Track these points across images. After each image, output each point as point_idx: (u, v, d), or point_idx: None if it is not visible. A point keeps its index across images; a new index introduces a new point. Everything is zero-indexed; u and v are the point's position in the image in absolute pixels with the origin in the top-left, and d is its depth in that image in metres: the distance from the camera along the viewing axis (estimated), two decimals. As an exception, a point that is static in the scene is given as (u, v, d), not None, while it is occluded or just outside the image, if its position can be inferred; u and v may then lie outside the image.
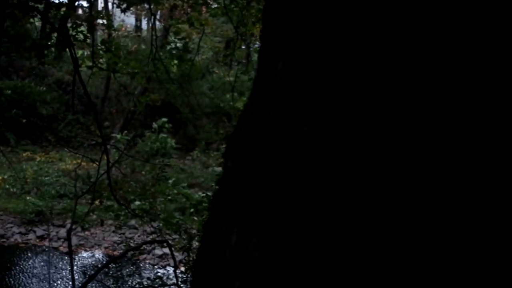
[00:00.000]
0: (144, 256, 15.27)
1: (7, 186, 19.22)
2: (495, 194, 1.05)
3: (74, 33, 8.51)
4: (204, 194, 11.81)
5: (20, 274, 14.68)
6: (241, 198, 1.36)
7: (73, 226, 10.82)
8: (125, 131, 22.49)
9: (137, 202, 12.33)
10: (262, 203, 1.27)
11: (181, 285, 8.97)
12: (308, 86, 1.22)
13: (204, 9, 11.32)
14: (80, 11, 18.07)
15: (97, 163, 8.57)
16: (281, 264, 1.21)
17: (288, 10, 1.35)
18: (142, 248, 12.24)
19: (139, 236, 16.81)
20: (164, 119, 21.83)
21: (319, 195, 1.17)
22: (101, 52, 9.51)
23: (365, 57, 1.15)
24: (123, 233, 16.96)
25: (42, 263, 15.28)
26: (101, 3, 27.71)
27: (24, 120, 23.43)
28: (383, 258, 1.11)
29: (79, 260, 15.71)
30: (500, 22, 1.05)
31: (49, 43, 9.60)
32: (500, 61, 1.06)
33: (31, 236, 16.88)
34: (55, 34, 9.79)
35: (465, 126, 1.07)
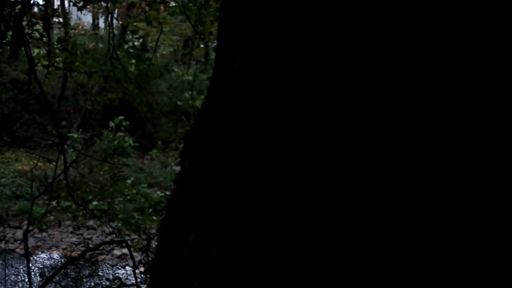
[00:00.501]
0: (103, 256, 15.10)
1: (-39, 188, 18.81)
2: (494, 194, 1.05)
3: (29, 32, 8.37)
4: (163, 194, 11.74)
5: (-25, 277, 14.38)
6: (199, 197, 1.36)
7: (30, 228, 10.64)
8: (80, 130, 22.19)
9: (95, 202, 12.19)
10: (219, 202, 1.27)
11: (141, 285, 8.90)
12: (264, 85, 1.22)
13: (162, 7, 11.25)
14: (35, 9, 17.80)
15: (54, 163, 8.45)
16: (239, 262, 1.21)
17: (244, 9, 1.35)
18: (100, 248, 12.10)
19: (97, 236, 16.62)
20: (121, 117, 21.63)
21: (275, 193, 1.17)
22: (57, 51, 9.37)
23: (319, 56, 1.15)
24: (81, 234, 16.76)
25: (-2, 266, 14.99)
26: (57, 1, 27.32)
27: (-22, 120, 22.95)
28: (329, 253, 1.12)
29: (36, 262, 15.46)
30: (499, 22, 1.06)
31: (4, 42, 9.42)
32: (498, 61, 1.06)
33: (-14, 238, 16.56)
34: (10, 33, 9.61)
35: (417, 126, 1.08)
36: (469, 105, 1.06)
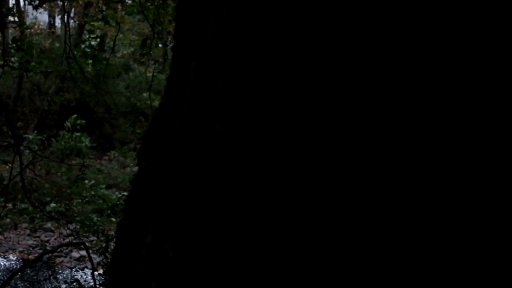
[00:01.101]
0: (61, 259, 14.91)
1: None
2: (494, 194, 1.05)
3: (-17, 31, 8.21)
4: (121, 195, 11.66)
5: None
6: (156, 197, 1.35)
7: (-15, 231, 10.45)
8: (35, 131, 21.83)
9: (53, 204, 12.04)
10: (177, 202, 1.27)
11: (99, 288, 8.82)
12: (220, 85, 1.22)
13: (119, 6, 11.16)
14: (-11, 8, 17.44)
15: (10, 164, 8.31)
16: (197, 263, 1.21)
17: (199, 9, 1.35)
18: (58, 251, 11.96)
19: (55, 239, 16.41)
20: (75, 116, 21.30)
21: (233, 192, 1.17)
22: (12, 50, 9.23)
23: (273, 56, 1.16)
24: (39, 237, 16.52)
25: (-48, 270, 14.68)
26: (12, -1, 26.81)
27: None
28: (283, 254, 1.12)
29: (-8, 265, 15.19)
30: (499, 22, 1.06)
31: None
32: (497, 61, 1.06)
33: None
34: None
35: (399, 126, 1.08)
36: (469, 105, 1.06)
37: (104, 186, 17.58)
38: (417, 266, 1.07)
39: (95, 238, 10.52)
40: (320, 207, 1.11)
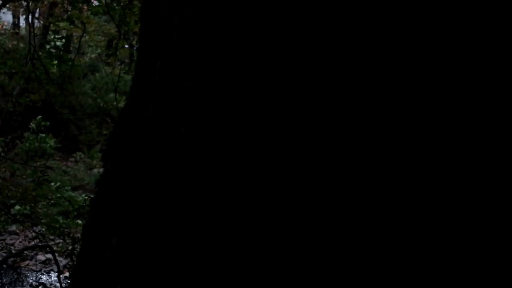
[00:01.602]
0: (27, 262, 14.69)
1: None
2: (494, 194, 1.05)
3: None
4: (87, 197, 11.54)
5: None
6: (121, 199, 1.34)
7: None
8: (-4, 133, 21.46)
9: (18, 207, 11.87)
10: (142, 204, 1.26)
11: (66, 291, 8.72)
12: (185, 86, 1.22)
13: (85, 7, 11.05)
14: (-49, 8, 17.16)
15: (-27, 167, 8.17)
16: (163, 265, 1.20)
17: (164, 11, 1.34)
18: (23, 254, 11.79)
19: (20, 242, 16.16)
20: (39, 117, 21.03)
21: (198, 193, 1.17)
22: (-25, 51, 9.07)
23: (238, 58, 1.16)
24: (3, 240, 16.26)
25: None
26: (-26, -1, 26.34)
27: None
28: (245, 254, 1.12)
29: (-45, 269, 14.91)
30: (499, 22, 1.06)
31: None
32: (498, 61, 1.06)
33: None
34: None
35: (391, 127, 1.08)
36: (469, 105, 1.06)
37: (70, 188, 17.37)
38: (417, 266, 1.07)
39: (61, 240, 10.40)
40: (277, 212, 1.11)
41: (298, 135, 1.11)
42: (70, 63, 10.60)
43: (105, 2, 9.32)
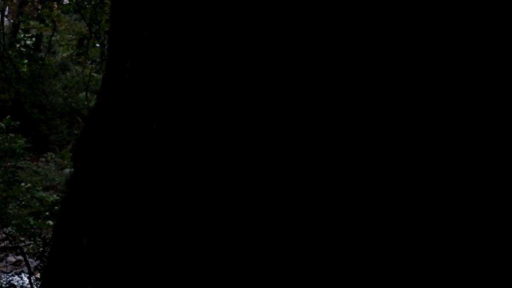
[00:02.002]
0: (-4, 264, 14.53)
1: None
2: (494, 194, 1.05)
3: None
4: (58, 197, 11.43)
5: None
6: (92, 199, 1.33)
7: None
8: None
9: (-13, 208, 11.70)
10: (113, 204, 1.25)
11: (37, 292, 8.63)
12: (155, 85, 1.22)
13: (55, 5, 10.94)
14: None
15: None
16: (134, 265, 1.20)
17: (135, 9, 1.33)
18: (-7, 255, 11.63)
19: (-10, 243, 15.97)
20: (9, 117, 20.78)
21: (169, 193, 1.16)
22: None
23: (208, 56, 1.16)
24: (-27, 241, 16.05)
25: None
26: None
27: None
28: (224, 257, 1.12)
29: None
30: (499, 22, 1.06)
31: None
32: (498, 61, 1.06)
33: None
34: None
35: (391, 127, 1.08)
36: (468, 105, 1.06)
37: (41, 188, 17.19)
38: (417, 266, 1.07)
39: (32, 242, 10.29)
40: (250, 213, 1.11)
41: (264, 131, 1.11)
42: (40, 62, 10.50)
43: (76, 0, 9.24)
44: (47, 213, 11.13)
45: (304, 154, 1.10)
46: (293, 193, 1.10)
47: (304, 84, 1.11)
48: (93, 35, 10.14)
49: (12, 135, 21.17)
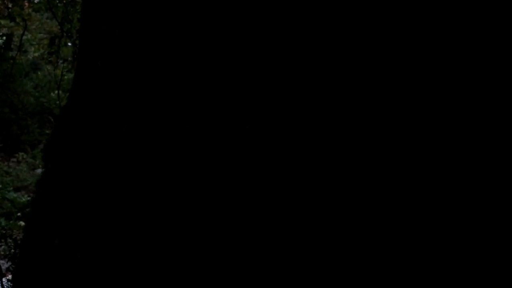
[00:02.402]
0: (-33, 265, 14.32)
1: None
2: (494, 194, 1.05)
3: None
4: (30, 198, 11.31)
5: None
6: (62, 199, 1.32)
7: None
8: None
9: (-43, 209, 11.53)
10: (84, 204, 1.25)
11: (8, 294, 8.53)
12: (127, 85, 1.21)
13: (26, 3, 10.82)
14: None
15: None
16: (106, 265, 1.19)
17: (106, 8, 1.33)
18: (-36, 257, 11.48)
19: (-40, 245, 15.74)
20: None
21: (139, 192, 1.16)
22: None
23: (181, 55, 1.15)
24: None
25: None
26: None
27: None
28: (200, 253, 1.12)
29: None
30: (499, 22, 1.06)
31: None
32: (498, 61, 1.06)
33: None
34: None
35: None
36: (468, 105, 1.06)
37: (12, 188, 16.98)
38: (417, 266, 1.07)
39: (3, 243, 10.17)
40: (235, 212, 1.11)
41: (215, 127, 1.11)
42: (11, 61, 10.38)
43: (47, -1, 9.14)
44: (18, 214, 11.01)
45: (304, 154, 1.10)
46: (292, 192, 1.09)
47: (303, 84, 1.11)
48: (64, 34, 10.04)
49: (-18, 135, 20.86)
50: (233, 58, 1.13)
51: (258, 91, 1.10)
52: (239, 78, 1.10)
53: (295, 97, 1.11)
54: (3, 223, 10.70)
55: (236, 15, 1.12)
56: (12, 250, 9.59)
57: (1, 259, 9.47)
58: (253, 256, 1.09)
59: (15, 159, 23.63)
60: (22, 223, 10.70)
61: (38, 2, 10.28)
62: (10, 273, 10.06)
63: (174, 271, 1.12)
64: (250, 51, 1.11)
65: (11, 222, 11.33)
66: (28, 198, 11.55)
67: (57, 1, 9.34)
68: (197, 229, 1.12)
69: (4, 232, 10.13)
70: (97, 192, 1.23)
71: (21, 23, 11.24)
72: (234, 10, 1.12)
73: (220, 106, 1.13)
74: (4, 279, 8.81)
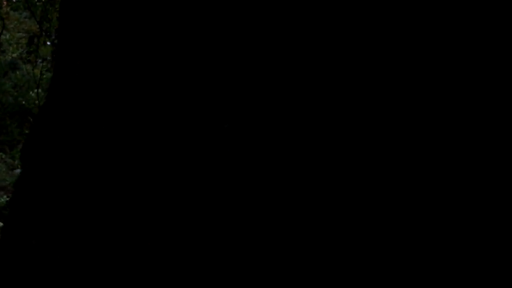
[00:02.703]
0: None
1: None
2: (494, 194, 1.05)
3: None
4: (9, 198, 11.23)
5: None
6: (40, 200, 1.32)
7: None
8: None
9: None
10: (62, 205, 1.24)
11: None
12: (107, 85, 1.21)
13: (5, 2, 10.74)
14: None
15: None
16: (85, 265, 1.19)
17: (84, 7, 1.32)
18: None
19: None
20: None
21: (118, 193, 1.16)
22: None
23: (164, 54, 1.15)
24: None
25: None
26: None
27: None
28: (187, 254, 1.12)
29: None
30: (499, 22, 1.06)
31: None
32: (498, 61, 1.06)
33: None
34: None
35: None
36: (468, 105, 1.06)
37: (-10, 189, 16.82)
38: (417, 266, 1.07)
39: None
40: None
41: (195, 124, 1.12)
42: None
43: (26, -3, 9.07)
44: (-3, 215, 10.91)
45: (303, 154, 1.10)
46: (292, 191, 1.09)
47: (301, 84, 1.11)
48: (43, 33, 9.97)
49: (-40, 135, 20.64)
50: (213, 55, 1.13)
51: (240, 89, 1.11)
52: (220, 78, 1.11)
53: (280, 96, 1.11)
54: (-18, 224, 10.59)
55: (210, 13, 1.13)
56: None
57: (-20, 260, 9.38)
58: (251, 255, 1.10)
59: (-7, 159, 23.43)
60: (1, 224, 10.61)
61: (17, 1, 10.20)
62: (-12, 274, 9.96)
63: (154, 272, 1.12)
64: (229, 49, 1.11)
65: (-11, 223, 11.22)
66: (7, 199, 11.46)
67: (36, 0, 9.26)
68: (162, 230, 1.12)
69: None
70: (73, 192, 1.23)
71: (-1, 22, 11.14)
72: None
73: (204, 105, 1.13)
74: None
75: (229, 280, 1.10)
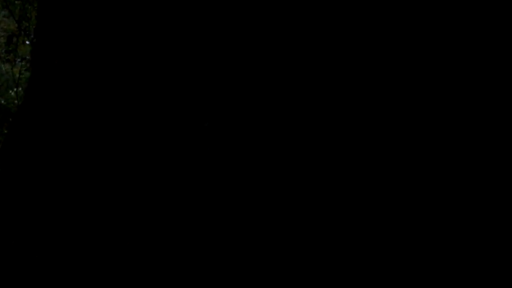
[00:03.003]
0: None
1: None
2: (494, 194, 1.06)
3: None
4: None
5: None
6: (20, 201, 1.31)
7: None
8: None
9: None
10: (40, 206, 1.23)
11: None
12: (84, 86, 1.20)
13: (-17, 1, 10.63)
14: None
15: None
16: (63, 268, 1.18)
17: (62, 6, 1.31)
18: None
19: None
20: None
21: (96, 195, 1.15)
22: None
23: (142, 55, 1.15)
24: None
25: None
26: None
27: None
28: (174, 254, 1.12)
29: None
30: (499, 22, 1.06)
31: None
32: (498, 61, 1.07)
33: None
34: None
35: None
36: (468, 105, 1.07)
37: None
38: (417, 266, 1.08)
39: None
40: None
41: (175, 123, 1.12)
42: (-33, 59, 10.20)
43: (4, -4, 9.00)
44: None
45: (303, 154, 1.09)
46: (292, 191, 1.09)
47: (301, 84, 1.10)
48: (22, 32, 9.89)
49: None
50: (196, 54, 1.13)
51: (220, 87, 1.10)
52: (203, 75, 1.11)
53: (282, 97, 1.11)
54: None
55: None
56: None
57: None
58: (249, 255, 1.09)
59: (-28, 160, 23.24)
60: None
61: (-5, 0, 10.09)
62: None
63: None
64: (213, 47, 1.11)
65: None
66: (-14, 199, 11.38)
67: (15, -1, 9.20)
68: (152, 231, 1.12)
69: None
70: (52, 193, 1.22)
71: (-23, 21, 11.03)
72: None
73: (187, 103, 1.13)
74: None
75: (229, 280, 1.10)
